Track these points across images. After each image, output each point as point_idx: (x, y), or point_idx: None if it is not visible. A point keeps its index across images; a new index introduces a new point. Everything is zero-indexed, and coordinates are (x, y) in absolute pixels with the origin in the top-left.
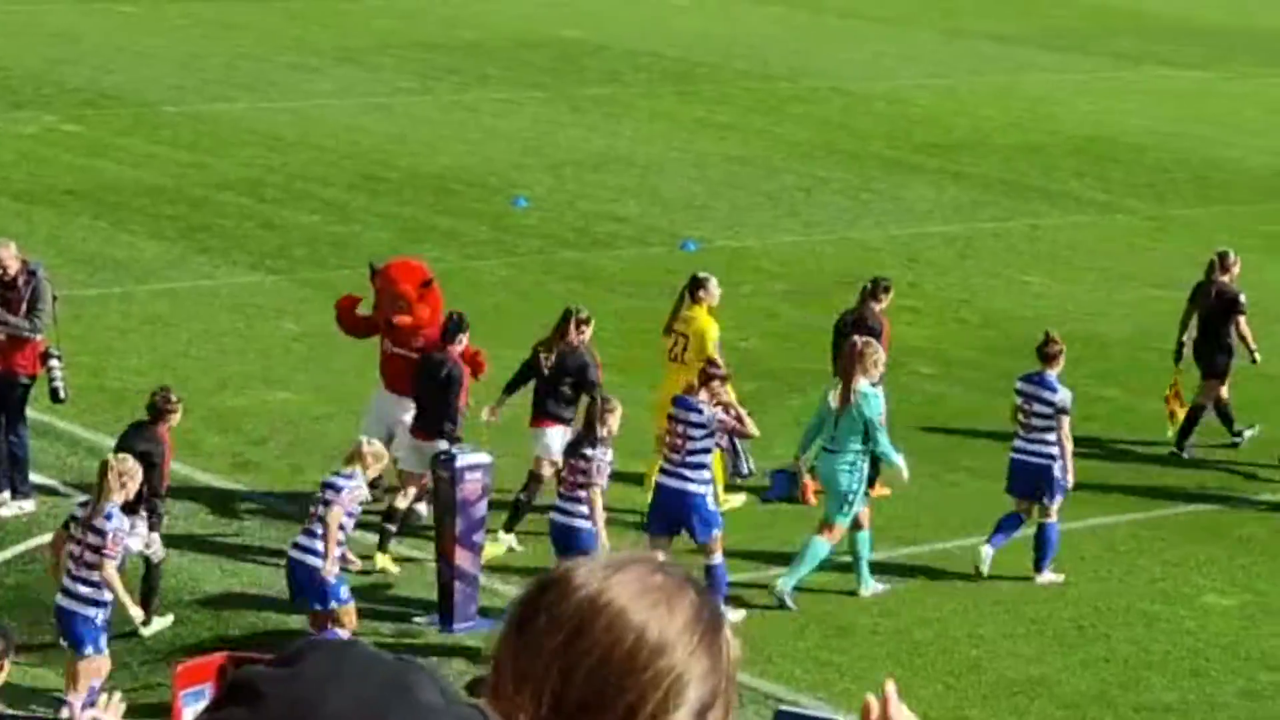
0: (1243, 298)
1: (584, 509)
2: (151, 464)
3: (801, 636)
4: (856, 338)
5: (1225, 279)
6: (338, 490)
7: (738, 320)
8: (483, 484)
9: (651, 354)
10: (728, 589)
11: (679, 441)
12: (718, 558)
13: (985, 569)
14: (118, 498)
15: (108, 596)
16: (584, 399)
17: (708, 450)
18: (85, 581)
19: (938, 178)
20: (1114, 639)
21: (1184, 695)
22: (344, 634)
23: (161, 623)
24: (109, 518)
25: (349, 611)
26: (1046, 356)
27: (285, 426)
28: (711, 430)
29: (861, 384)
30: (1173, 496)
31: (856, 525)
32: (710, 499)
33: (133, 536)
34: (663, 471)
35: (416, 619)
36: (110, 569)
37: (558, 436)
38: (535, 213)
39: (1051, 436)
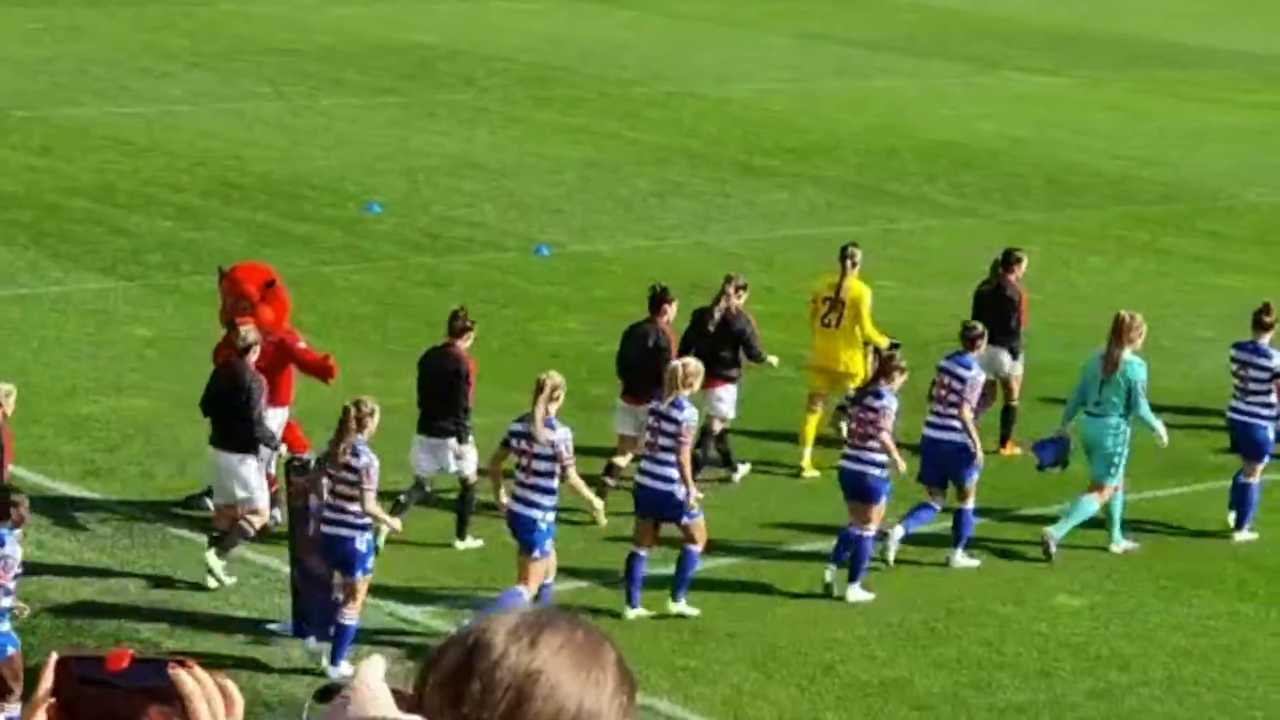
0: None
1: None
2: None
3: (656, 641)
4: (1123, 311)
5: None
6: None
7: (591, 325)
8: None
9: (509, 360)
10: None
11: (866, 430)
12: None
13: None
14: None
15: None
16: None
17: (673, 449)
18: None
19: (792, 182)
20: (966, 640)
21: (1034, 696)
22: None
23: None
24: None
25: (364, 586)
26: (1263, 326)
27: (137, 433)
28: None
29: (1126, 353)
30: (1022, 498)
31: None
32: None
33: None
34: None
35: (269, 626)
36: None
37: (729, 394)
38: (389, 218)
39: (1272, 399)
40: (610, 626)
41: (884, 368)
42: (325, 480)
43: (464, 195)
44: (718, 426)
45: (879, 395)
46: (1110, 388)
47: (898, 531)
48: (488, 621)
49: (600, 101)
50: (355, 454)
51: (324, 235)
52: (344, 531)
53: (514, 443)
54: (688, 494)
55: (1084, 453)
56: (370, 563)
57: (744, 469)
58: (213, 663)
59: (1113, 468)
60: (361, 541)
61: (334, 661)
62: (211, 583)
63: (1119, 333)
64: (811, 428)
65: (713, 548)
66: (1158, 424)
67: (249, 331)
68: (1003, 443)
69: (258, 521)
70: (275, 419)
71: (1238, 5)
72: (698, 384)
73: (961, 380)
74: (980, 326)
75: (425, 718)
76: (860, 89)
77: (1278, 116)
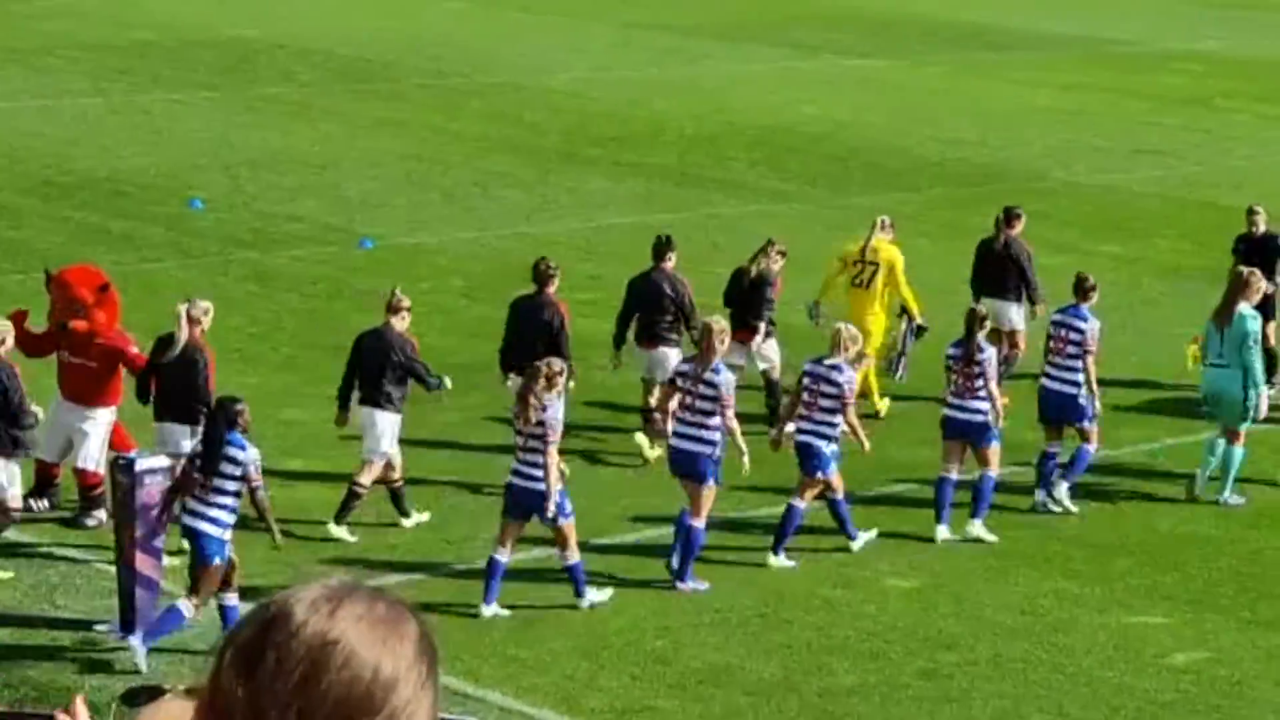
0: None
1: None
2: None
3: (488, 632)
4: (1242, 268)
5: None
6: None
7: (416, 317)
8: (161, 488)
9: (329, 354)
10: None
11: (969, 382)
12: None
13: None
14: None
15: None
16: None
17: (835, 410)
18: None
19: (615, 170)
20: (796, 625)
21: (865, 678)
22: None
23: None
24: (717, 371)
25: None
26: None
27: None
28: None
29: (1243, 307)
30: (849, 482)
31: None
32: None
33: None
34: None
35: (97, 626)
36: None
37: (774, 347)
38: (211, 214)
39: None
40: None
41: (836, 340)
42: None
43: (286, 190)
44: (775, 376)
45: (840, 368)
46: (1229, 341)
47: (1062, 488)
48: (287, 595)
49: (421, 94)
50: (544, 409)
51: (146, 232)
52: (536, 483)
53: (680, 382)
54: (741, 454)
55: (1210, 405)
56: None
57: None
58: (42, 660)
59: (1246, 411)
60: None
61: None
62: None
63: (1238, 289)
64: (870, 380)
65: (544, 538)
66: (1261, 380)
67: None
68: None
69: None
70: (104, 420)
71: None
72: (728, 342)
73: (1080, 331)
74: (1092, 278)
75: (221, 695)
76: (680, 76)
77: (1094, 98)
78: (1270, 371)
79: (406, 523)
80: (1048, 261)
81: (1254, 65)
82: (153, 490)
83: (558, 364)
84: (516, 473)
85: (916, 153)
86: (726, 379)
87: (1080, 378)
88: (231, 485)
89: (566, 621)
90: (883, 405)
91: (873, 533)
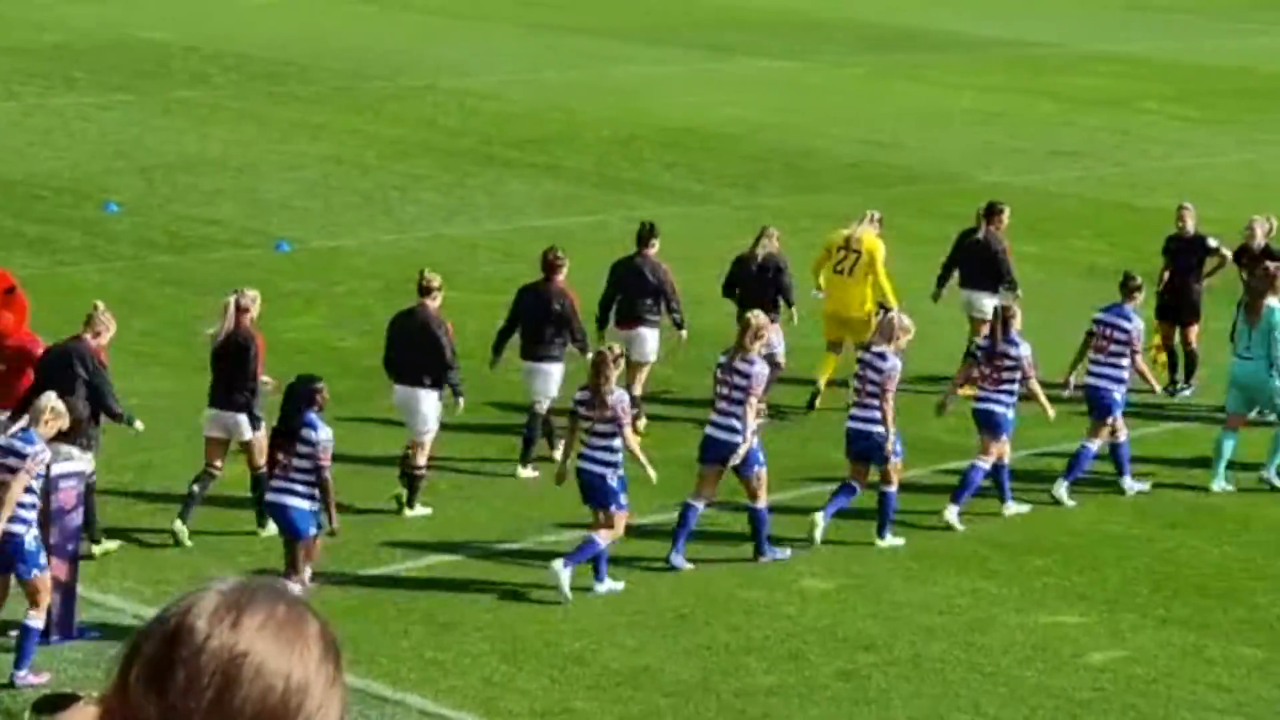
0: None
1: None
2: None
3: (405, 635)
4: (1270, 263)
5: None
6: (21, 457)
7: (334, 319)
8: (77, 491)
9: None
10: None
11: (996, 375)
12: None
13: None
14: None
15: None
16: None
17: (1014, 382)
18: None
19: (532, 172)
20: (715, 626)
21: (783, 679)
22: (39, 614)
23: None
24: (751, 363)
25: (45, 582)
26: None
27: None
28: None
29: (1271, 301)
30: (774, 488)
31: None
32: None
33: None
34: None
35: (12, 632)
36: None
37: (779, 332)
38: (127, 217)
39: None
40: (645, 579)
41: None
42: (582, 422)
43: (202, 193)
44: (780, 360)
45: (885, 355)
46: (1258, 334)
47: (1128, 483)
48: (188, 604)
49: (338, 96)
50: (611, 392)
51: (61, 236)
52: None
53: (718, 373)
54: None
55: (1236, 394)
56: (43, 558)
57: None
58: None
59: (1278, 398)
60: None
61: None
62: None
63: (1266, 284)
64: (828, 369)
65: (461, 541)
66: None
67: None
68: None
69: None
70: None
71: None
72: (767, 337)
73: (1125, 330)
74: (1139, 278)
75: (132, 711)
76: (597, 78)
77: (1013, 99)
78: (1189, 373)
79: (410, 513)
80: None
81: (1171, 67)
82: (68, 494)
83: (617, 348)
84: (585, 457)
85: (835, 154)
86: (759, 370)
87: (1125, 375)
88: (309, 463)
89: (485, 624)
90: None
91: (899, 540)
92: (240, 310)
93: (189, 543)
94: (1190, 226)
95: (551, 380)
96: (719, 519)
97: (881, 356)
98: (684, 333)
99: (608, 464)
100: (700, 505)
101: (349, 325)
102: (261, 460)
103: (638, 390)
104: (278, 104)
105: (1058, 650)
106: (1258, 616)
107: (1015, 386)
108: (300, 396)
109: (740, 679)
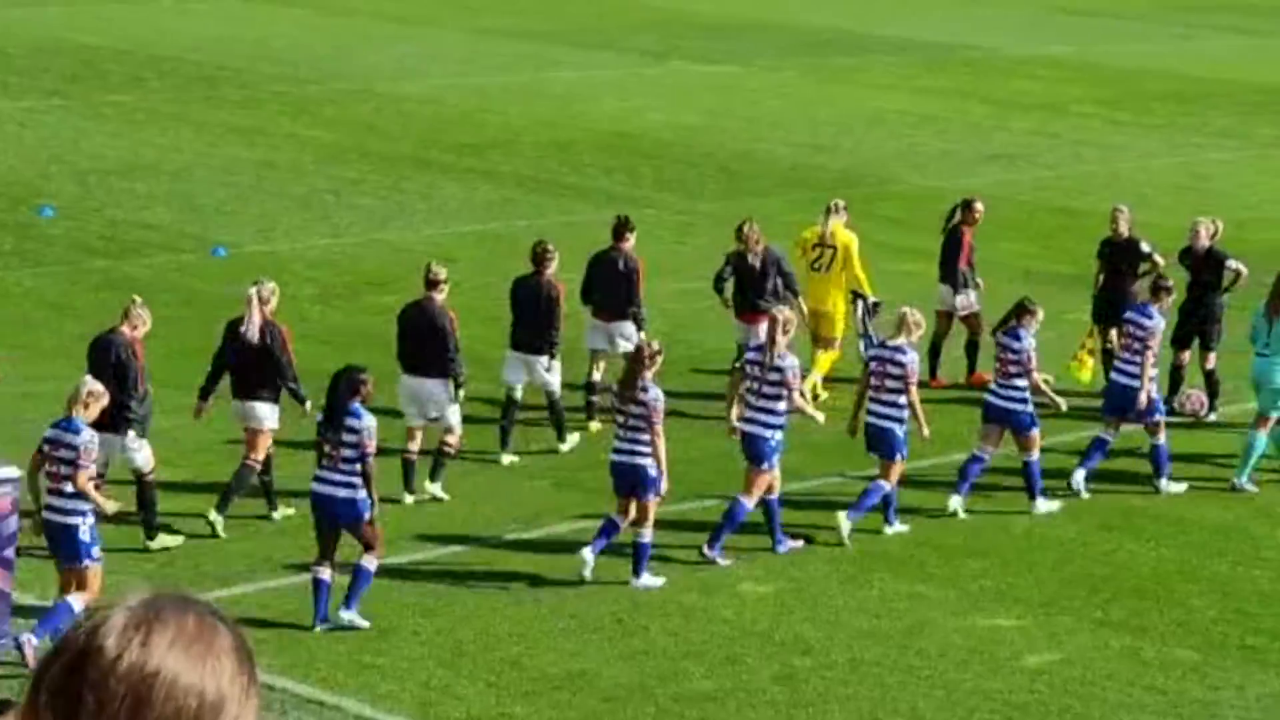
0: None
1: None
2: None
3: (342, 640)
4: None
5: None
6: (72, 449)
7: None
8: (11, 499)
9: (193, 360)
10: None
11: (1005, 368)
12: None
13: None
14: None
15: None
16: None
17: (1022, 375)
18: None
19: (469, 177)
20: (653, 631)
21: (721, 683)
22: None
23: None
24: (783, 359)
25: (97, 573)
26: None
27: None
28: (1027, 362)
29: None
30: (702, 494)
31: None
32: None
33: None
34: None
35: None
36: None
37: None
38: (62, 221)
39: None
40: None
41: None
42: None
43: (137, 198)
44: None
45: (1017, 337)
46: (1276, 333)
47: (1170, 485)
48: (95, 622)
49: (274, 101)
50: (644, 389)
51: None
52: (638, 459)
53: (749, 369)
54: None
55: (1253, 389)
56: (97, 551)
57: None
58: None
59: (1279, 402)
60: None
61: None
62: None
63: None
64: (817, 365)
65: (399, 546)
66: None
67: None
68: (970, 372)
69: None
70: None
71: None
72: (793, 330)
73: (1143, 328)
74: (1171, 280)
75: None
76: (534, 83)
77: (946, 102)
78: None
79: (410, 499)
80: (900, 266)
81: (1103, 70)
82: (2, 502)
83: (656, 344)
84: (618, 450)
85: (771, 158)
86: (791, 364)
87: (1150, 373)
88: (354, 451)
89: (422, 629)
90: (813, 387)
91: (905, 528)
92: (262, 302)
93: (223, 534)
94: (1124, 230)
95: (542, 371)
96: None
97: (901, 350)
98: (641, 333)
99: (646, 455)
100: (749, 505)
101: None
102: (258, 455)
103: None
104: (213, 108)
105: (994, 653)
106: (1193, 619)
107: (1024, 381)
108: (345, 386)
109: (678, 683)
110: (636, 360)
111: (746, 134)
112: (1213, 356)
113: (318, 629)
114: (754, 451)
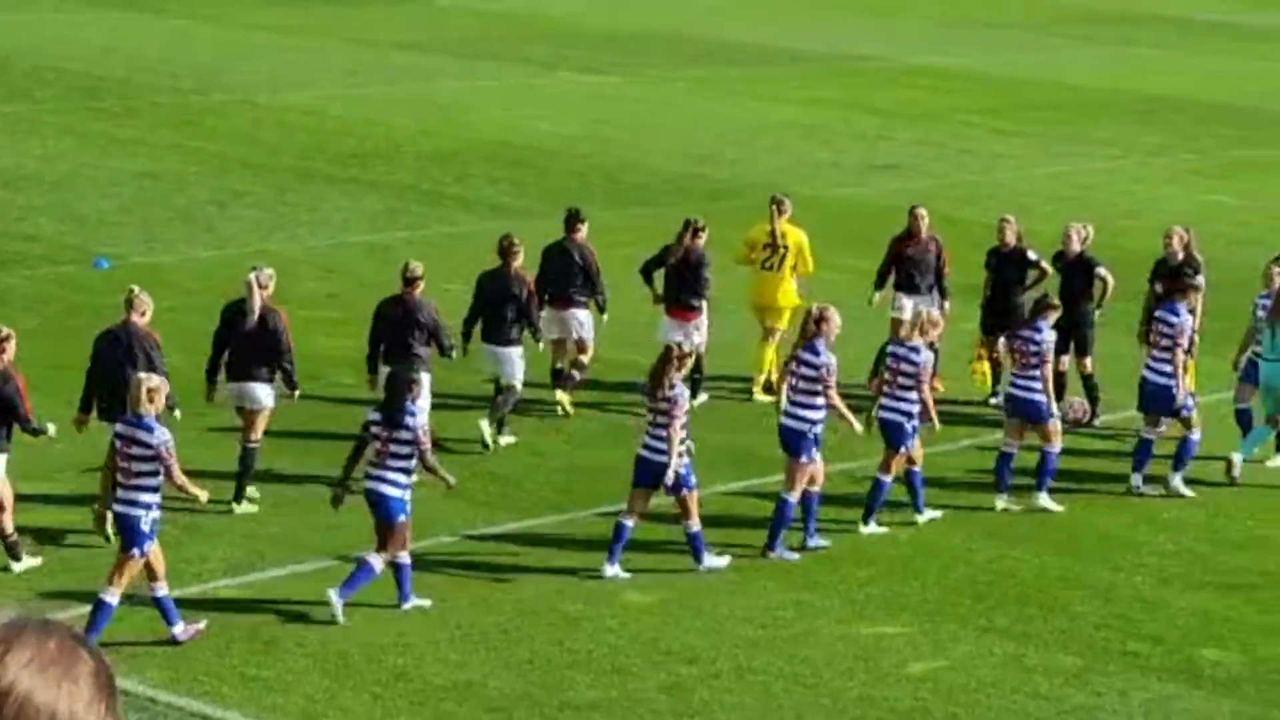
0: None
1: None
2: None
3: (227, 653)
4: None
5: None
6: (146, 446)
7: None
8: None
9: (70, 374)
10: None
11: (1025, 359)
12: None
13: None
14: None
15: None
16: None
17: (912, 387)
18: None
19: (353, 188)
20: (538, 640)
21: (607, 692)
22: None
23: None
24: (817, 354)
25: (138, 565)
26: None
27: None
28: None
29: None
30: (582, 503)
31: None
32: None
33: None
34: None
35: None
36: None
37: (704, 324)
38: None
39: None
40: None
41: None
42: (648, 410)
43: (17, 208)
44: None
45: (918, 349)
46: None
47: (1177, 479)
48: None
49: (156, 111)
50: (672, 387)
51: None
52: (665, 456)
53: (791, 365)
54: (851, 428)
55: (1262, 392)
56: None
57: (703, 397)
58: None
59: None
60: None
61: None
62: None
63: None
64: (768, 357)
65: (283, 557)
66: None
67: None
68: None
69: None
70: None
71: (783, 4)
72: (834, 331)
73: (1171, 325)
74: (1198, 277)
75: None
76: (417, 93)
77: (829, 113)
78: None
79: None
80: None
81: (986, 80)
82: None
83: (688, 345)
84: (646, 445)
85: (656, 169)
86: (827, 361)
87: (1175, 370)
88: (408, 449)
89: (307, 640)
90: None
91: (938, 513)
92: (260, 287)
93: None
94: (1011, 239)
95: (514, 363)
96: (534, 535)
97: (915, 350)
98: (605, 316)
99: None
100: (792, 499)
101: (172, 342)
102: (256, 435)
103: (585, 359)
104: (94, 119)
105: (879, 661)
106: (1076, 626)
107: (1036, 372)
108: (401, 385)
109: (563, 692)
110: (665, 360)
111: (632, 144)
112: (1089, 362)
113: (404, 606)
114: (791, 445)
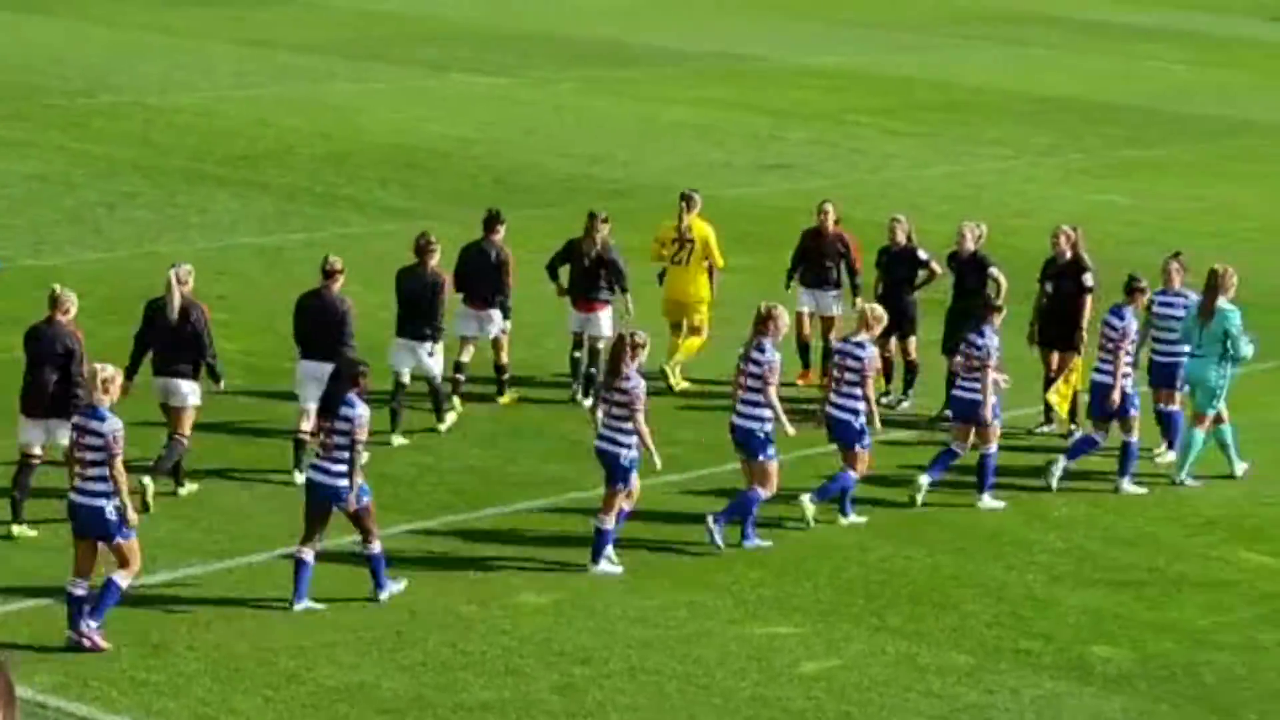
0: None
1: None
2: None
3: (117, 657)
4: (1218, 265)
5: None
6: (98, 435)
7: None
8: None
9: None
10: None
11: (969, 362)
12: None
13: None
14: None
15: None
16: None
17: (858, 383)
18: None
19: (244, 189)
20: (431, 642)
21: (500, 693)
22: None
23: None
24: (763, 351)
25: (133, 547)
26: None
27: None
28: (868, 369)
29: (1221, 301)
30: (474, 505)
31: (1218, 420)
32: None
33: None
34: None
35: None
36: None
37: (607, 316)
38: None
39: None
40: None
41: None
42: (603, 401)
43: None
44: (602, 345)
45: (863, 345)
46: (1209, 333)
47: (1130, 486)
48: None
49: (43, 113)
50: (627, 378)
51: None
52: (618, 447)
53: (740, 364)
54: (769, 429)
55: (1189, 390)
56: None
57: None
58: None
59: (1214, 400)
60: None
61: None
62: None
63: (1215, 285)
64: (684, 348)
65: (172, 559)
66: (1248, 351)
67: None
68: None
69: None
70: None
71: (673, 5)
72: (781, 330)
73: (1114, 328)
74: (1144, 280)
75: None
76: (308, 95)
77: (720, 113)
78: (908, 384)
79: (300, 478)
80: None
81: (878, 80)
82: None
83: (641, 335)
84: (601, 437)
85: (546, 170)
86: (770, 359)
87: (1125, 371)
88: (344, 440)
89: (198, 643)
90: (677, 382)
91: (862, 519)
92: (180, 283)
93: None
94: (902, 238)
95: (425, 357)
96: (430, 537)
97: (860, 346)
98: (508, 322)
99: (625, 444)
100: (764, 494)
101: None
102: (185, 430)
103: (504, 360)
104: None
105: (772, 661)
106: (968, 624)
107: (982, 376)
108: (345, 378)
109: (456, 694)
110: (619, 350)
111: (523, 145)
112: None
113: (296, 608)
114: (748, 446)
